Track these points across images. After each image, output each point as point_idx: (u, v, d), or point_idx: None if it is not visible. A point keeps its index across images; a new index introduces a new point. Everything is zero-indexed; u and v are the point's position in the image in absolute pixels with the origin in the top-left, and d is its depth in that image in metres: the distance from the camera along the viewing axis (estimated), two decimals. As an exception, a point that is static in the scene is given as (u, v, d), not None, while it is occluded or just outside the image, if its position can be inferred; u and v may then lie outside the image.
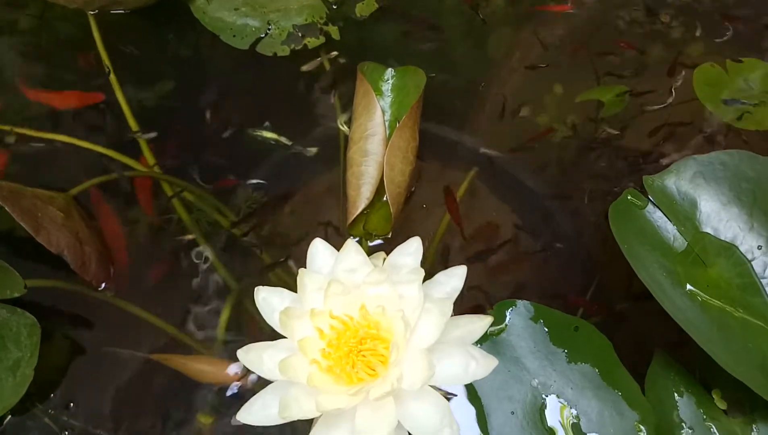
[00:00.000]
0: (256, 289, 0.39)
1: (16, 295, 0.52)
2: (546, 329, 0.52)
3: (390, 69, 0.61)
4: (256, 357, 0.36)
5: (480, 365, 0.34)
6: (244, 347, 0.36)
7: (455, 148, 0.64)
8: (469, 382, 0.35)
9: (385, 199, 0.55)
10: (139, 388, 0.54)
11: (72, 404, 0.53)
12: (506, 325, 0.51)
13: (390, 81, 0.61)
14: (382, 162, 0.55)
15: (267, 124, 0.64)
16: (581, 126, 0.65)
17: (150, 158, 0.63)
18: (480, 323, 0.38)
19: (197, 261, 0.59)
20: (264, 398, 0.37)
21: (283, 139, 0.63)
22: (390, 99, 0.60)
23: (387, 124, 0.57)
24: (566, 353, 0.50)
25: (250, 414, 0.36)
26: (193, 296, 0.57)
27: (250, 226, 0.58)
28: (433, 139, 0.63)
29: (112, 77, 0.66)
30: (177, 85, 0.67)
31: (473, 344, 0.36)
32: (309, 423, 0.47)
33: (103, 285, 0.56)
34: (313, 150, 0.63)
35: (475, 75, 0.68)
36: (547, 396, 0.49)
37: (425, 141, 0.60)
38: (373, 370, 0.35)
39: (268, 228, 0.60)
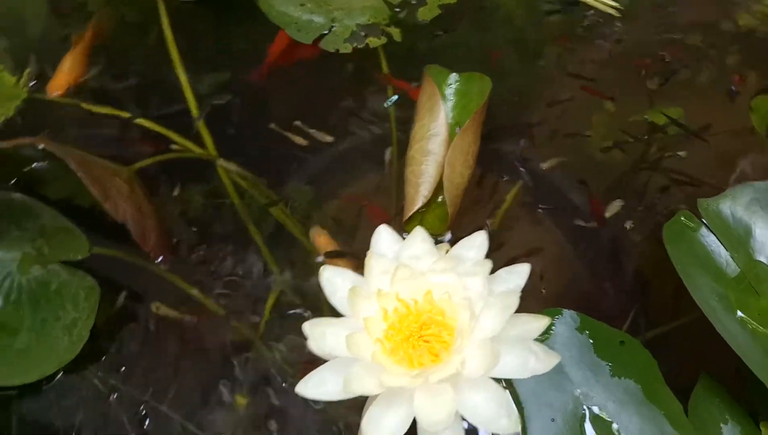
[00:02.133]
0: (321, 268, 0.40)
1: (79, 257, 0.54)
2: (591, 341, 0.51)
3: (454, 74, 0.62)
4: (320, 332, 0.37)
5: (540, 361, 0.35)
6: (311, 321, 0.37)
7: (503, 157, 0.65)
8: (528, 377, 0.35)
9: (440, 199, 0.56)
10: (186, 362, 0.55)
11: (123, 368, 0.54)
12: (551, 332, 0.51)
13: (453, 85, 0.62)
14: (442, 163, 0.56)
15: (321, 119, 0.66)
16: (632, 145, 0.65)
17: (209, 143, 0.65)
18: (537, 323, 0.38)
19: (245, 246, 0.60)
20: (321, 374, 0.38)
21: (333, 137, 0.64)
22: (452, 103, 0.61)
23: (448, 127, 0.58)
24: (610, 366, 0.50)
25: (307, 388, 0.37)
26: (238, 279, 0.58)
27: (299, 217, 0.59)
28: (484, 146, 0.64)
29: (177, 63, 0.68)
30: (236, 75, 0.69)
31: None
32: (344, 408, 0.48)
33: (160, 258, 0.57)
34: (365, 148, 0.64)
35: (528, 88, 0.69)
36: (588, 407, 0.48)
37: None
38: (436, 355, 0.35)
39: (317, 218, 0.61)
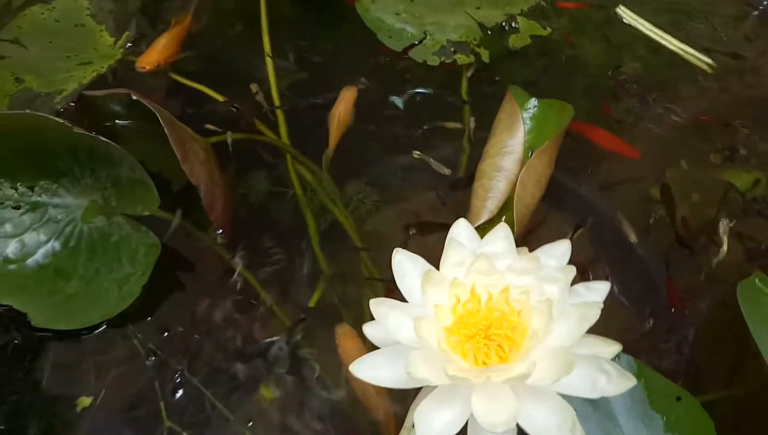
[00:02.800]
0: (394, 250, 0.39)
1: (146, 213, 0.54)
2: (646, 390, 0.49)
3: (534, 99, 0.62)
4: (385, 312, 0.36)
5: (612, 382, 0.33)
6: (377, 299, 0.36)
7: (571, 192, 0.63)
8: (596, 397, 0.33)
9: (504, 218, 0.55)
10: (226, 341, 0.54)
11: (166, 334, 0.53)
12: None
13: (531, 110, 0.61)
14: (513, 181, 0.55)
15: (399, 128, 0.66)
16: (702, 204, 0.63)
17: (283, 133, 0.66)
18: (608, 348, 0.36)
19: (299, 239, 0.60)
20: (375, 358, 0.36)
21: (406, 145, 0.64)
22: (527, 127, 0.61)
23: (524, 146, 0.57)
24: (664, 421, 0.47)
25: (361, 369, 0.36)
26: (287, 269, 0.57)
27: (355, 219, 0.59)
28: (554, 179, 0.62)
29: (268, 54, 0.69)
30: (323, 70, 0.70)
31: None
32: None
33: (221, 230, 0.58)
34: (436, 160, 0.64)
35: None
36: (637, 459, 0.46)
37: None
38: (504, 354, 0.34)
39: (372, 222, 0.61)
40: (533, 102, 0.62)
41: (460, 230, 0.39)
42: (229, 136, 0.63)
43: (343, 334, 0.51)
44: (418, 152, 0.63)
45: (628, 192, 0.63)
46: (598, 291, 0.37)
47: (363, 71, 0.70)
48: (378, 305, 0.35)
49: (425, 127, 0.66)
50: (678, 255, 0.60)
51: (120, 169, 0.53)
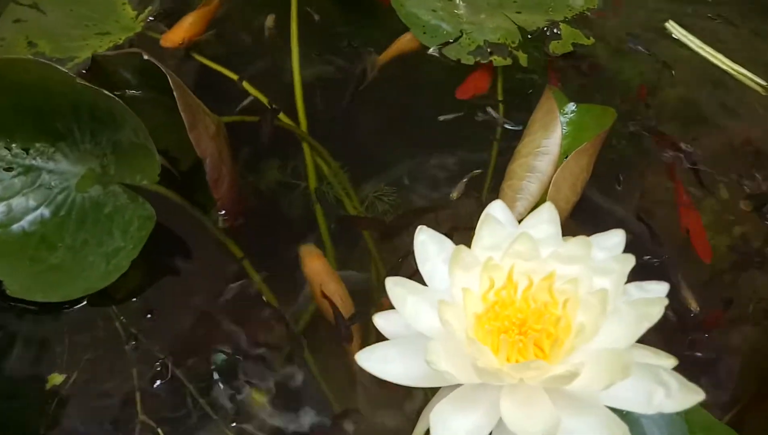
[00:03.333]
0: (418, 229, 0.34)
1: (145, 182, 0.50)
2: (687, 426, 0.43)
3: (572, 103, 0.57)
4: (401, 294, 0.30)
5: (672, 397, 0.27)
6: (395, 278, 0.30)
7: (602, 211, 0.58)
8: (652, 413, 0.27)
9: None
10: (217, 334, 0.49)
11: (149, 316, 0.48)
12: (642, 401, 0.42)
13: (569, 115, 0.57)
14: (546, 183, 0.50)
15: (422, 127, 0.62)
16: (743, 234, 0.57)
17: (302, 120, 0.62)
18: (660, 362, 0.30)
19: (309, 232, 0.55)
20: (386, 351, 0.31)
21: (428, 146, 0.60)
22: (564, 132, 0.56)
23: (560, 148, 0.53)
24: None
25: (370, 361, 0.30)
26: (293, 261, 0.52)
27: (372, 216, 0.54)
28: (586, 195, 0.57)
29: (294, 40, 0.66)
30: (350, 63, 0.67)
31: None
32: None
33: (223, 211, 0.53)
34: (461, 159, 0.59)
35: (636, 154, 0.63)
36: (672, 498, 0.39)
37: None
38: (542, 351, 0.28)
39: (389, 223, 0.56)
40: (571, 106, 0.57)
41: (496, 210, 0.34)
42: (243, 117, 0.58)
43: (308, 253, 0.50)
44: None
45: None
46: (653, 292, 0.31)
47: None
48: (395, 285, 0.30)
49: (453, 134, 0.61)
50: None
51: (122, 133, 0.49)
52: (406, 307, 0.30)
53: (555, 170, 0.51)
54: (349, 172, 0.59)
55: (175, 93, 0.47)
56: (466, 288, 0.29)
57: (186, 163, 0.57)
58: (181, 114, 0.47)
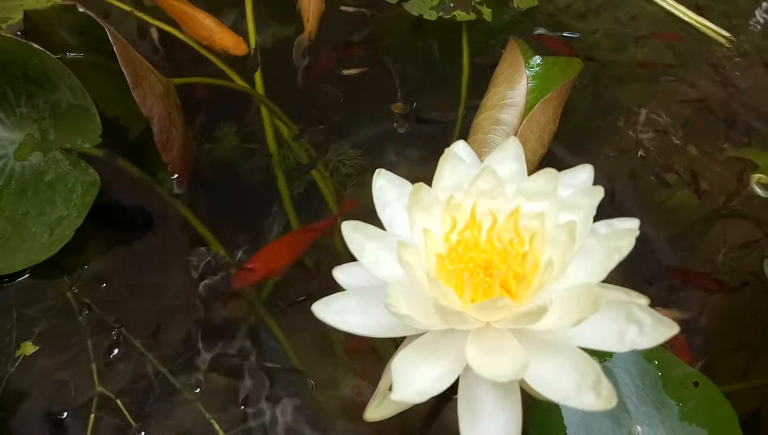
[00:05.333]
0: (376, 172, 0.31)
1: (87, 145, 0.47)
2: (659, 373, 0.43)
3: (538, 57, 0.56)
4: (359, 240, 0.28)
5: (645, 333, 0.25)
6: (351, 222, 0.28)
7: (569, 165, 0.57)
8: (626, 351, 0.26)
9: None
10: (178, 301, 0.46)
11: (104, 285, 0.46)
12: (614, 354, 0.42)
13: (535, 69, 0.55)
14: (513, 135, 0.48)
15: (387, 85, 0.60)
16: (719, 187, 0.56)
17: (259, 83, 0.59)
18: (633, 300, 0.29)
19: (271, 200, 0.53)
20: (347, 301, 0.29)
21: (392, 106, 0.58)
22: (530, 86, 0.54)
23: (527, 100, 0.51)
24: (680, 408, 0.41)
25: (328, 312, 0.28)
26: (254, 231, 0.50)
27: (335, 182, 0.52)
28: (552, 156, 0.56)
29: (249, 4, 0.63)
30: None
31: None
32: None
33: (176, 176, 0.50)
34: (431, 116, 0.57)
35: (603, 113, 0.62)
36: (649, 448, 0.39)
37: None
38: (509, 291, 0.26)
39: (353, 190, 0.54)
40: (537, 59, 0.56)
41: (459, 149, 0.32)
42: (195, 79, 0.55)
43: None
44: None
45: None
46: (626, 226, 0.29)
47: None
48: (352, 230, 0.28)
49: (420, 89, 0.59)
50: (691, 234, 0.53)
51: (59, 93, 0.46)
52: (365, 254, 0.28)
53: (521, 122, 0.49)
54: (310, 136, 0.56)
55: (114, 47, 0.44)
56: (426, 228, 0.27)
57: (137, 129, 0.54)
58: (123, 70, 0.44)
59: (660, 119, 0.60)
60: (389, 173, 0.31)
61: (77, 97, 0.44)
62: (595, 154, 0.57)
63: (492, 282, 0.26)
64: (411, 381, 0.25)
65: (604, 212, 0.28)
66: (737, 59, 0.64)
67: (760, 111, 0.61)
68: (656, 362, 0.43)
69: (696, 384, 0.42)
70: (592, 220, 0.27)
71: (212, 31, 0.56)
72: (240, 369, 0.43)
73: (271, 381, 0.42)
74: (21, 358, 0.43)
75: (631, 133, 0.59)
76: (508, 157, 0.30)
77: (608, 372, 0.42)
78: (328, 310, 0.28)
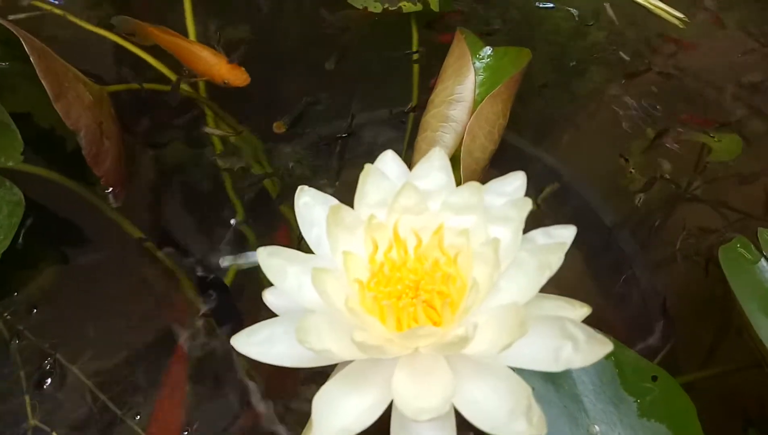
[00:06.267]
0: (299, 189, 0.29)
1: (10, 164, 0.44)
2: (616, 370, 0.42)
3: (488, 47, 0.54)
4: (279, 265, 0.26)
5: (580, 350, 0.24)
6: (269, 247, 0.26)
7: (528, 161, 0.55)
8: (560, 370, 0.24)
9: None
10: (117, 321, 0.44)
11: (35, 311, 0.43)
12: (568, 349, 0.41)
13: (485, 60, 0.54)
14: (462, 132, 0.47)
15: (336, 80, 0.58)
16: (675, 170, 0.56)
17: (202, 88, 0.56)
18: (574, 311, 0.28)
19: (219, 204, 0.51)
20: (270, 329, 0.27)
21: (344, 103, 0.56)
22: (480, 79, 0.53)
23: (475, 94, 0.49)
24: (638, 404, 0.41)
25: (250, 344, 0.26)
26: (202, 239, 0.48)
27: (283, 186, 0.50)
28: (507, 144, 0.54)
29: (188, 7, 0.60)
30: (252, 26, 0.62)
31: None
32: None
33: (111, 189, 0.48)
34: (382, 115, 0.56)
35: (559, 100, 0.60)
36: (607, 448, 0.38)
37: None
38: (437, 316, 0.25)
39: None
40: (487, 50, 0.54)
41: (387, 164, 0.30)
42: (131, 85, 0.52)
43: None
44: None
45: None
46: (560, 237, 0.28)
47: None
48: (269, 256, 0.26)
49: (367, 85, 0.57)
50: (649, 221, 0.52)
51: (-25, 108, 0.43)
52: (287, 280, 0.26)
53: (470, 117, 0.47)
54: (258, 136, 0.54)
55: (31, 57, 0.41)
56: (347, 251, 0.25)
57: (75, 139, 0.52)
58: (42, 81, 0.41)
59: (619, 103, 0.59)
60: (312, 190, 0.29)
61: (-7, 114, 0.41)
62: (552, 143, 0.56)
63: (416, 305, 0.25)
64: (333, 418, 0.24)
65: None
66: (692, 39, 0.63)
67: (716, 86, 0.60)
68: (613, 359, 0.42)
69: (654, 378, 0.42)
70: (521, 233, 0.26)
71: (210, 63, 0.54)
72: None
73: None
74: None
75: (588, 118, 0.58)
76: (434, 168, 0.28)
77: (566, 370, 0.41)
78: (250, 341, 0.26)
